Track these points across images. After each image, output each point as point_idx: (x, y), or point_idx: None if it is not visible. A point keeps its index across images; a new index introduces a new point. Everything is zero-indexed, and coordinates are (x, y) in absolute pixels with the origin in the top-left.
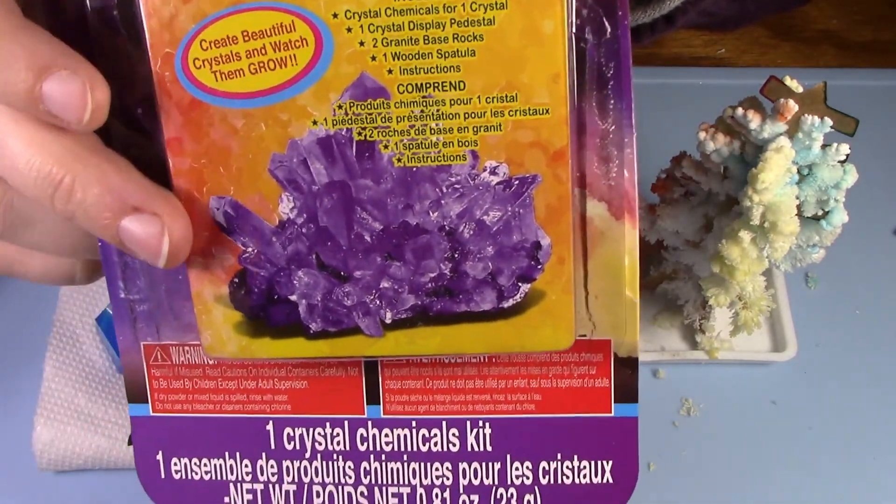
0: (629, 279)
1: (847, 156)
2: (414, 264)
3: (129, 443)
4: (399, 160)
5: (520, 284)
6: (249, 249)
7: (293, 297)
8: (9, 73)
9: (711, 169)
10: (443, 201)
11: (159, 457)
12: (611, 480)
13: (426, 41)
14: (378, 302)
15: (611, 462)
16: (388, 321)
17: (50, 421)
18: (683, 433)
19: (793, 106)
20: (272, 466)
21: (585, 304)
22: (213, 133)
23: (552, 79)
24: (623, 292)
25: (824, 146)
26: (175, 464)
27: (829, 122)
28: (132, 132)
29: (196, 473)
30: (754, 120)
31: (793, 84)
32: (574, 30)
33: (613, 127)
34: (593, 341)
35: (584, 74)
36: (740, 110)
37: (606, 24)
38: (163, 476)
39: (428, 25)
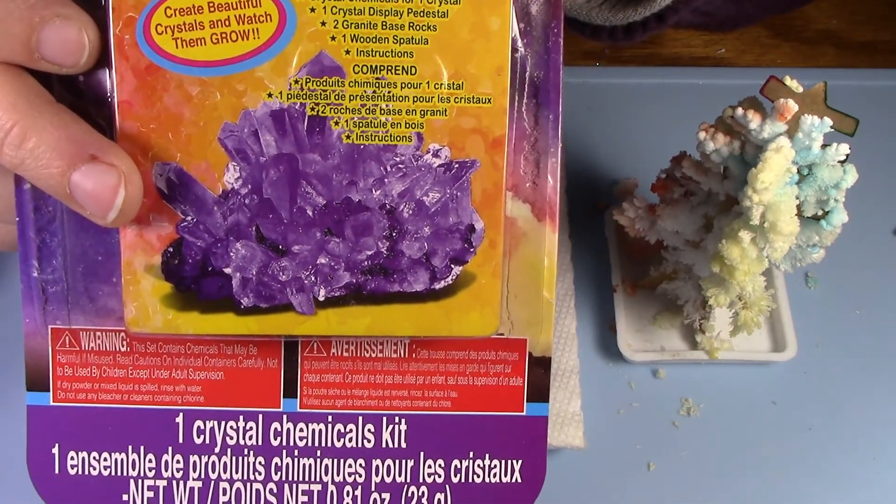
0: (547, 280)
1: (847, 156)
2: (353, 241)
3: None
4: (348, 137)
5: (452, 266)
6: (188, 218)
7: (228, 270)
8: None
9: (711, 169)
10: (386, 180)
11: (55, 450)
12: (519, 480)
13: (384, 27)
14: (313, 278)
15: (520, 461)
16: (321, 298)
17: None
18: (683, 433)
19: (793, 106)
20: (178, 461)
21: (505, 303)
22: (166, 98)
23: (496, 71)
24: (541, 292)
25: (824, 146)
26: (72, 458)
27: (829, 122)
28: (74, 97)
29: (94, 469)
30: (754, 120)
31: (793, 84)
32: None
33: (541, 134)
34: (510, 340)
35: (517, 82)
36: (740, 110)
37: (541, 36)
38: (56, 471)
39: (387, 13)
